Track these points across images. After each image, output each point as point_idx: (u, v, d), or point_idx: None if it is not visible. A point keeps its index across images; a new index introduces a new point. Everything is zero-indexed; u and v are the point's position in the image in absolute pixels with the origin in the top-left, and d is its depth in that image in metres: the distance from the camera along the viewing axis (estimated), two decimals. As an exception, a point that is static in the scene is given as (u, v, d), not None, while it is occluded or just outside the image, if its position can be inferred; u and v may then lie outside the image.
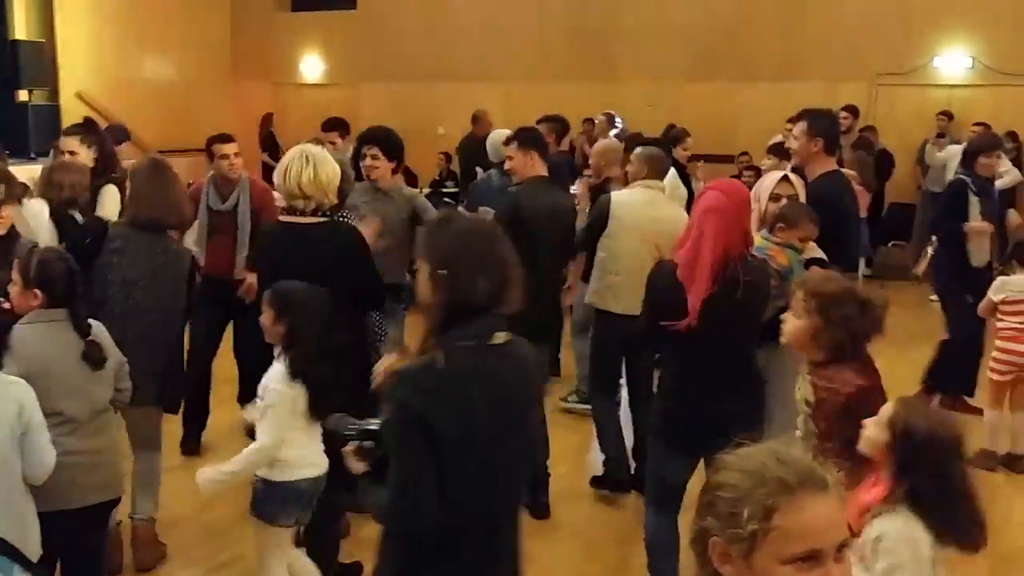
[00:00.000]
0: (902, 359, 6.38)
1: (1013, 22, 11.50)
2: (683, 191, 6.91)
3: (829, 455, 2.70)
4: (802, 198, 4.37)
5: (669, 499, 3.75)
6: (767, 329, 3.89)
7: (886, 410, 2.51)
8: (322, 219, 4.00)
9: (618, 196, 5.09)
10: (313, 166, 3.93)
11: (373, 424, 2.49)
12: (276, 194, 4.73)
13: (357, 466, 2.48)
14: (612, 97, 12.69)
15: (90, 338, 3.37)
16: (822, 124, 4.72)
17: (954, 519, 2.40)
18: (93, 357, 3.36)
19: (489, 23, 14.04)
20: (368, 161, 4.99)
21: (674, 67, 13.04)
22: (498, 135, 6.59)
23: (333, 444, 2.78)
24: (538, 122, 7.22)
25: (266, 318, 3.52)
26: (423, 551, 2.30)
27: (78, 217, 4.71)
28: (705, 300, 3.39)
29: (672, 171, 7.04)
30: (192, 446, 5.72)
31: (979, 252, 6.22)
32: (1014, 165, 10.30)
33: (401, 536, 2.33)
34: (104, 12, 13.43)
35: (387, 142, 5.09)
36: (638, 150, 5.35)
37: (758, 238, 4.11)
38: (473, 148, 11.05)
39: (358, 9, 15.21)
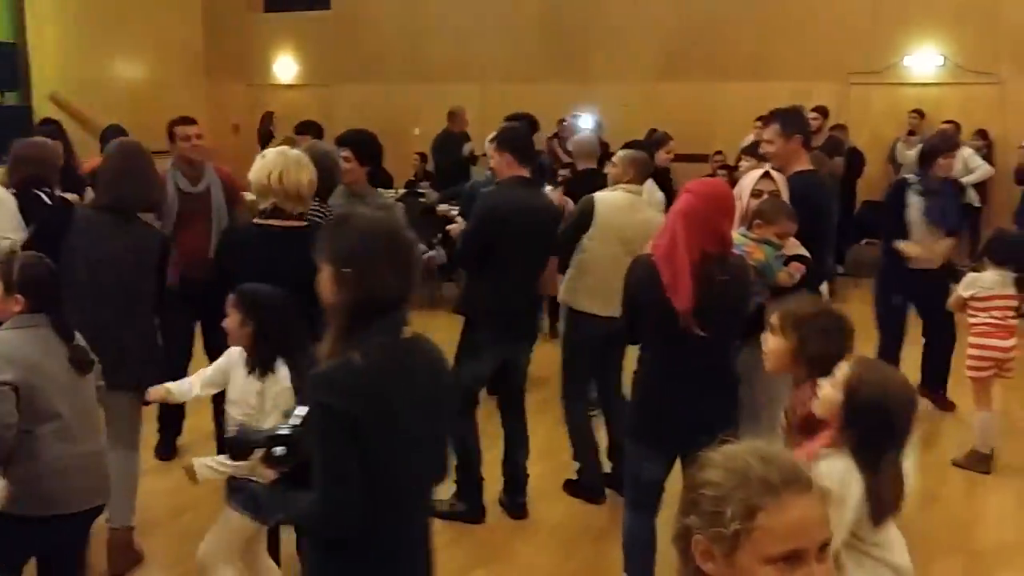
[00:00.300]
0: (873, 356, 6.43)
1: (981, 21, 11.62)
2: (659, 196, 6.93)
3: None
4: (784, 194, 4.37)
5: (647, 498, 3.75)
6: (749, 325, 3.93)
7: (842, 369, 2.60)
8: (304, 223, 3.94)
9: (601, 197, 5.09)
10: (308, 170, 3.91)
11: (283, 429, 2.44)
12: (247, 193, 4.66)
13: (267, 474, 2.44)
14: (586, 97, 12.71)
15: (75, 343, 3.33)
16: (795, 121, 4.75)
17: (884, 478, 2.49)
18: (80, 361, 3.32)
19: (463, 24, 14.02)
20: (341, 164, 4.97)
21: (648, 67, 13.08)
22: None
23: (237, 454, 2.71)
24: (505, 120, 7.22)
25: (232, 321, 3.46)
26: (352, 552, 2.29)
27: (45, 198, 4.63)
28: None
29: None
30: (167, 451, 5.68)
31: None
32: (985, 162, 10.42)
33: (331, 538, 2.31)
34: (75, 13, 13.32)
35: (359, 145, 5.05)
36: (622, 152, 5.36)
37: (736, 235, 4.11)
38: (448, 145, 11.06)
39: (332, 10, 15.15)
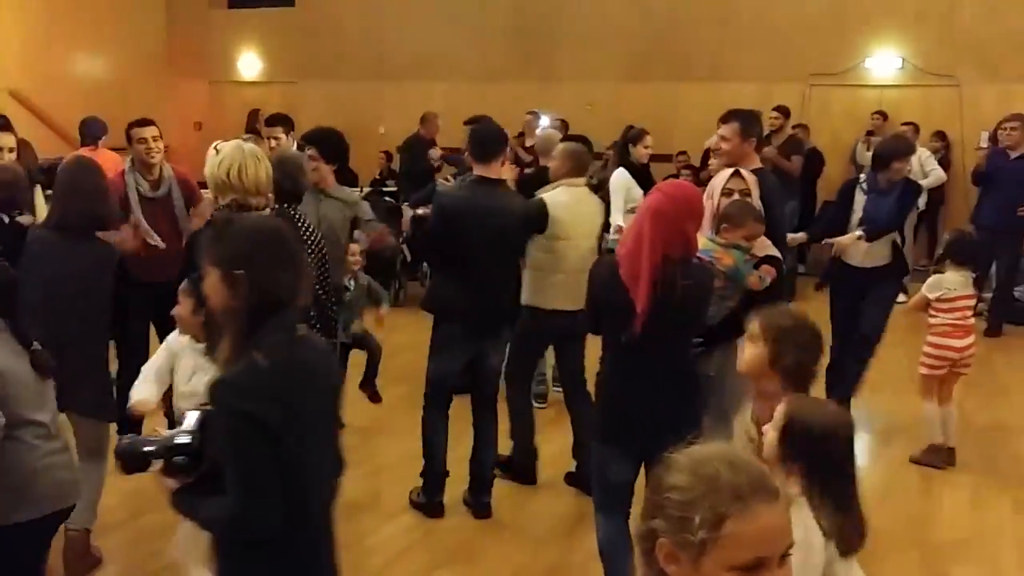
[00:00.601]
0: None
1: (940, 24, 11.80)
2: (638, 192, 6.99)
3: None
4: (755, 193, 4.39)
5: (617, 501, 3.73)
6: (721, 329, 3.97)
7: (779, 410, 2.57)
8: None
9: (552, 198, 5.10)
10: (265, 164, 3.88)
11: (183, 437, 2.40)
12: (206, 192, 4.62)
13: (169, 483, 2.41)
14: (551, 97, 12.76)
15: (34, 348, 3.29)
16: (750, 122, 4.86)
17: (844, 514, 2.43)
18: (42, 365, 3.28)
19: (428, 23, 14.01)
20: (307, 164, 4.96)
21: (611, 68, 13.15)
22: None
23: (131, 466, 2.53)
24: (464, 123, 7.26)
25: (183, 308, 3.40)
26: (267, 553, 2.29)
27: (4, 219, 4.60)
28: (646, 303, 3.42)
29: (624, 171, 7.13)
30: None
31: (855, 251, 6.18)
32: (941, 164, 10.57)
33: (246, 542, 2.31)
34: (36, 9, 13.15)
35: (324, 143, 5.04)
36: (561, 146, 5.42)
37: (703, 239, 4.12)
38: (417, 150, 10.94)
39: (296, 6, 15.08)
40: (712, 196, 4.42)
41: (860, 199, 6.20)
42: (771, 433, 2.56)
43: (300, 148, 5.23)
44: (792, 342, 2.91)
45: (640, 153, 7.32)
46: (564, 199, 5.10)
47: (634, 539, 1.63)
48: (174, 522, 4.34)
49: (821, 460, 2.44)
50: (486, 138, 4.86)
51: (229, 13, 15.78)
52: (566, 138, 5.69)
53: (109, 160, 7.05)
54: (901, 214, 6.12)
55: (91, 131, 8.06)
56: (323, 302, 4.28)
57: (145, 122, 5.56)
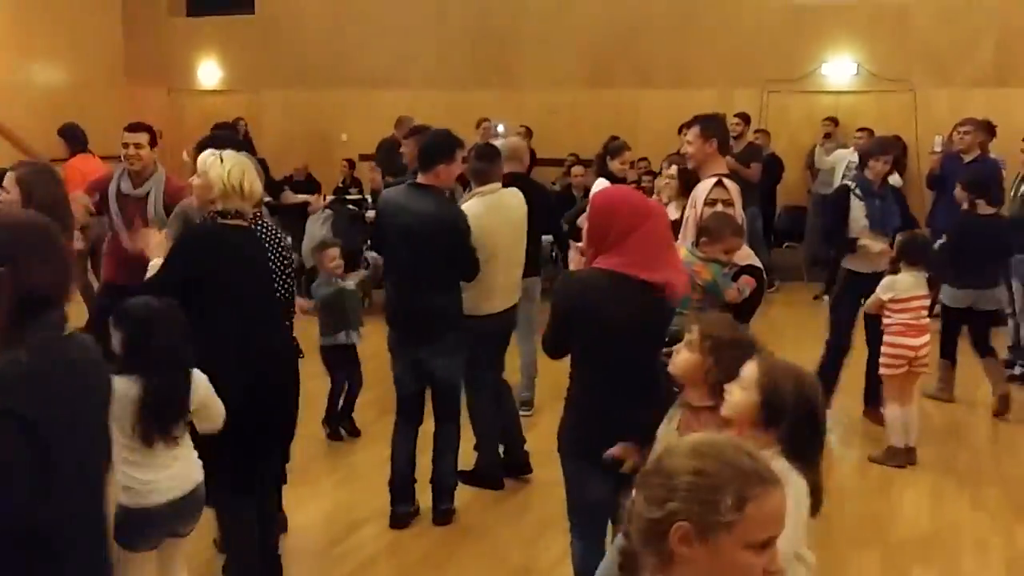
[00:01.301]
0: (796, 358, 6.60)
1: (893, 31, 12.00)
2: None
3: None
4: (737, 202, 4.42)
5: (594, 522, 3.57)
6: None
7: (750, 371, 2.62)
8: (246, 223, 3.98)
9: (473, 208, 5.08)
10: (260, 176, 3.96)
11: None
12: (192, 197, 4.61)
13: None
14: (513, 103, 12.82)
15: None
16: (713, 126, 4.92)
17: (818, 471, 2.54)
18: None
19: (389, 30, 14.00)
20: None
21: (573, 75, 13.22)
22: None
23: None
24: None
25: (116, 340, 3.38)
26: (34, 551, 2.22)
27: None
28: (611, 316, 3.34)
29: (604, 183, 7.09)
30: None
31: (864, 258, 6.34)
32: (897, 169, 10.73)
33: (15, 539, 2.22)
34: (-11, 17, 12.99)
35: (218, 147, 5.09)
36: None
37: (684, 251, 4.15)
38: (393, 153, 10.92)
39: (256, 14, 15.00)
40: (695, 205, 4.46)
41: (857, 205, 6.35)
42: (739, 394, 2.62)
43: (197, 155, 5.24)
44: (728, 357, 2.86)
45: (618, 168, 7.31)
46: (478, 209, 5.09)
47: (637, 523, 1.68)
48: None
49: (803, 421, 2.52)
50: (426, 147, 4.90)
51: (188, 21, 15.66)
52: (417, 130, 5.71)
53: (99, 166, 7.28)
54: (908, 215, 6.29)
55: (80, 138, 8.06)
56: (288, 313, 4.31)
57: (135, 127, 5.62)
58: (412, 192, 4.85)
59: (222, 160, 3.89)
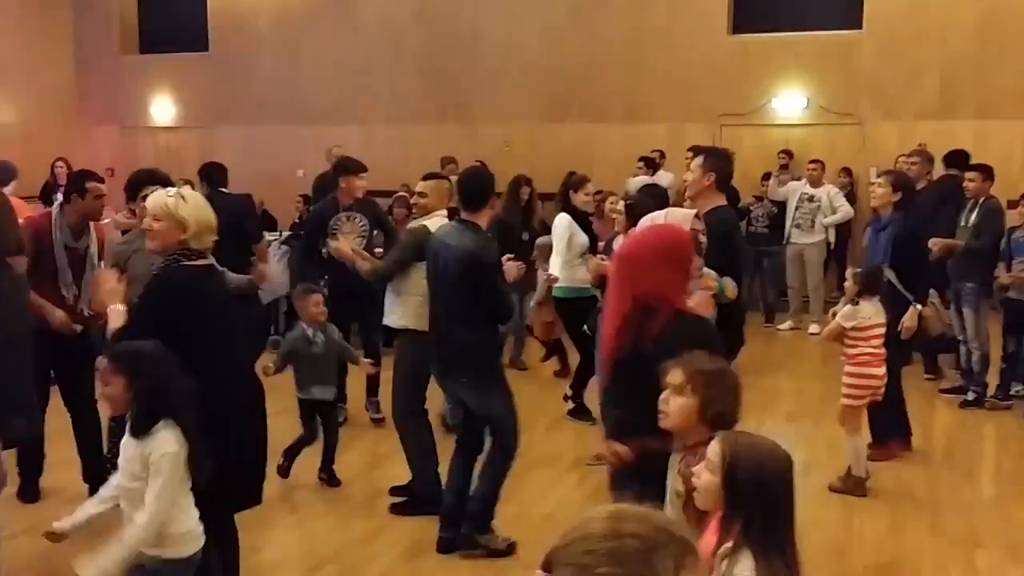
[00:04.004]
0: (753, 388, 6.65)
1: (841, 66, 12.27)
2: (582, 238, 7.06)
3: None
4: (703, 237, 4.50)
5: None
6: None
7: (713, 450, 2.41)
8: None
9: (434, 227, 5.28)
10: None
11: None
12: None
13: None
14: (468, 138, 12.88)
15: None
16: (715, 161, 5.00)
17: (784, 555, 2.29)
18: None
19: (343, 66, 14.04)
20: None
21: (528, 109, 13.34)
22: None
23: None
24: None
25: (115, 388, 3.26)
26: None
27: None
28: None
29: (567, 217, 7.17)
30: (31, 494, 5.51)
31: None
32: (849, 200, 10.92)
33: None
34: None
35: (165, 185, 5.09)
36: (432, 183, 5.63)
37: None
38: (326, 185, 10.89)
39: (211, 51, 14.96)
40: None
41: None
42: (706, 476, 2.41)
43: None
44: (719, 387, 2.83)
45: (580, 200, 7.30)
46: (447, 227, 5.23)
47: None
48: None
49: (768, 505, 2.30)
50: (475, 185, 5.06)
51: (141, 58, 15.59)
52: (431, 176, 5.86)
53: (21, 206, 6.90)
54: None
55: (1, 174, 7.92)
56: None
57: (101, 177, 5.49)
58: (456, 228, 5.00)
59: (184, 199, 3.74)
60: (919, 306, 6.24)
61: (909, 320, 6.21)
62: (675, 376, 2.87)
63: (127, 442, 3.28)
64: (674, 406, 2.88)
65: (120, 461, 3.33)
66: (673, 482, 2.92)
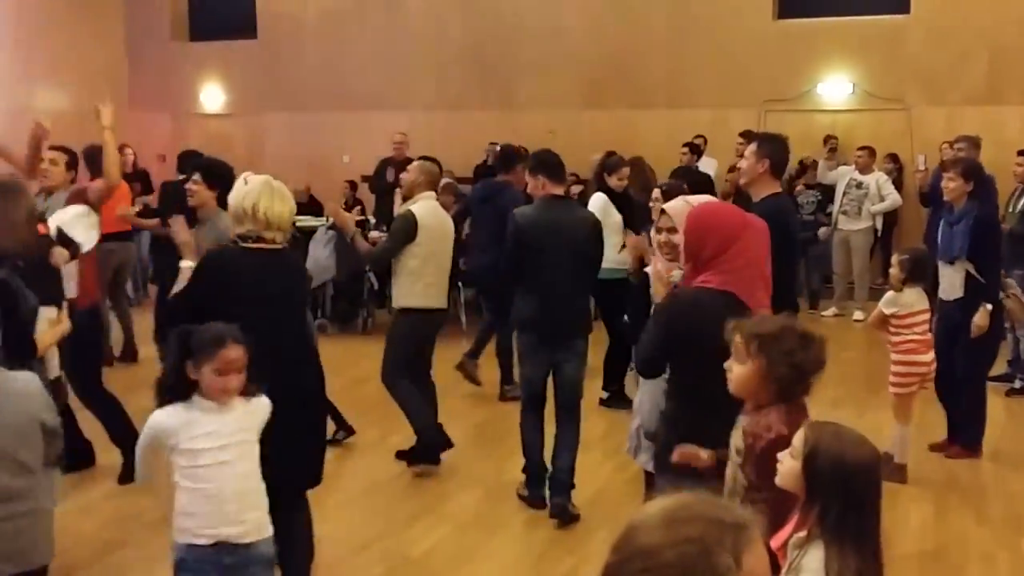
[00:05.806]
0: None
1: (887, 51, 12.15)
2: (616, 217, 7.10)
3: (758, 505, 2.65)
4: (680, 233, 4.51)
5: None
6: None
7: (798, 437, 2.40)
8: (281, 245, 3.98)
9: (421, 210, 5.74)
10: (289, 203, 3.96)
11: None
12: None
13: None
14: (512, 124, 12.91)
15: None
16: (770, 147, 4.96)
17: (861, 549, 2.26)
18: None
19: (387, 53, 14.13)
20: (190, 185, 5.35)
21: (570, 96, 13.35)
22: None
23: None
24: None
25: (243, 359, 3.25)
26: None
27: None
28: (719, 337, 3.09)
29: (603, 196, 7.24)
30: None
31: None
32: (895, 186, 10.84)
33: None
34: (-5, 43, 13.09)
35: (208, 170, 5.37)
36: (417, 162, 6.06)
37: (678, 273, 4.22)
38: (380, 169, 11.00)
39: (258, 39, 15.14)
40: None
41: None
42: (788, 461, 2.40)
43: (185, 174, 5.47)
44: (782, 350, 2.76)
45: (615, 183, 7.36)
46: (428, 209, 5.73)
47: None
48: (144, 558, 4.38)
49: (847, 496, 2.27)
50: (552, 162, 5.30)
51: (191, 46, 15.79)
52: (421, 157, 6.29)
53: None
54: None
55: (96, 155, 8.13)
56: None
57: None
58: (550, 204, 5.21)
59: (245, 182, 3.89)
60: (989, 305, 5.98)
61: (980, 319, 5.96)
62: (738, 340, 2.84)
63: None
64: (735, 374, 2.86)
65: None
66: (735, 439, 2.89)
